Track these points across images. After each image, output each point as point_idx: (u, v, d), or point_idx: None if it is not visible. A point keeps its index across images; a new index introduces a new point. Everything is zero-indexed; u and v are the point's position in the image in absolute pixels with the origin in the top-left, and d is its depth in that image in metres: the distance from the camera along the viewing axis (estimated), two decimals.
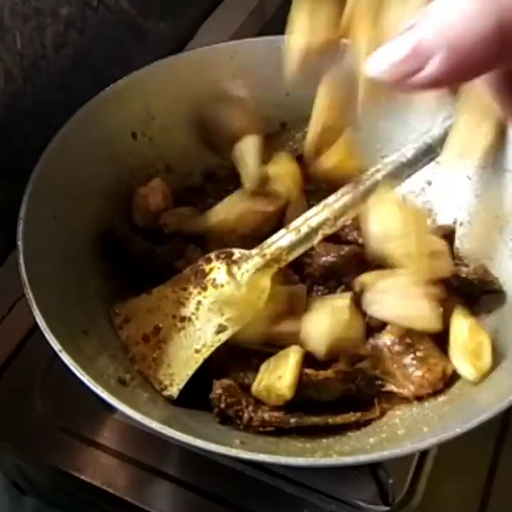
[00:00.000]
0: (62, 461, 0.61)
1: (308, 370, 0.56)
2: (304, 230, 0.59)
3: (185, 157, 0.72)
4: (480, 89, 0.32)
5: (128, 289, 0.63)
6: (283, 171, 0.66)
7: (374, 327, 0.59)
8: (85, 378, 0.49)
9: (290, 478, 0.59)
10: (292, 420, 0.55)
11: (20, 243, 0.55)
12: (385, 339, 0.57)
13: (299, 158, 0.66)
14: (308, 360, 0.57)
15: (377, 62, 0.29)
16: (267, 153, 0.67)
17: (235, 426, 0.55)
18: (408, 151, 0.61)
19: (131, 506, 0.59)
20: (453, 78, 0.28)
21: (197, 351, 0.58)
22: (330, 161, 0.61)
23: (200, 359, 0.57)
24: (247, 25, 0.91)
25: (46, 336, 0.51)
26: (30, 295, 0.52)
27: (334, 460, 0.50)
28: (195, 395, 0.56)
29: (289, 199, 0.65)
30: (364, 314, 0.58)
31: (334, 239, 0.62)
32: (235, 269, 0.60)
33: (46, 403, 0.64)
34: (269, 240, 0.60)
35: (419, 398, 0.55)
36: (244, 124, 0.66)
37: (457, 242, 0.65)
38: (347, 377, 0.56)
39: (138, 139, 0.69)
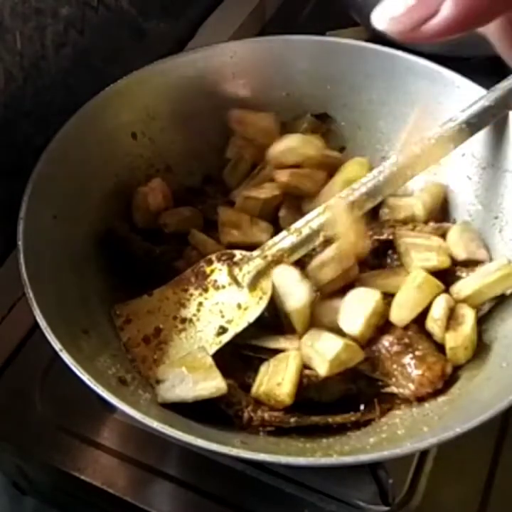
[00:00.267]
0: (62, 461, 0.61)
1: (308, 371, 0.56)
2: (306, 231, 0.59)
3: (185, 157, 0.72)
4: None
5: (128, 289, 0.63)
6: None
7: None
8: (86, 377, 0.49)
9: (290, 478, 0.59)
10: (292, 420, 0.55)
11: (20, 243, 0.55)
12: (384, 340, 0.57)
13: None
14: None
15: (384, 14, 0.29)
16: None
17: (235, 426, 0.55)
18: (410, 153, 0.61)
19: (131, 506, 0.59)
20: (464, 23, 0.28)
21: None
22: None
23: None
24: (247, 25, 0.91)
25: (46, 335, 0.51)
26: (30, 295, 0.52)
27: (334, 460, 0.50)
28: None
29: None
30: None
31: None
32: (236, 270, 0.60)
33: (46, 403, 0.64)
34: (270, 242, 0.60)
35: (420, 398, 0.55)
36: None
37: None
38: (347, 378, 0.56)
39: (138, 139, 0.69)
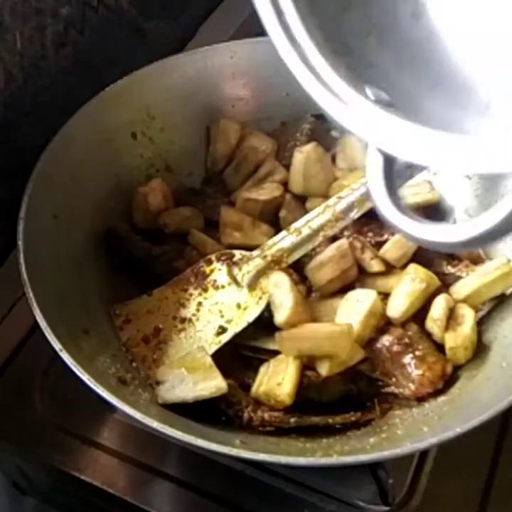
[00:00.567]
0: (62, 461, 0.61)
1: (308, 372, 0.56)
2: (306, 231, 0.59)
3: (185, 157, 0.72)
4: None
5: (128, 289, 0.63)
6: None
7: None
8: (86, 377, 0.49)
9: (290, 478, 0.59)
10: (292, 420, 0.55)
11: (20, 243, 0.55)
12: (384, 340, 0.57)
13: None
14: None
15: None
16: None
17: (235, 426, 0.55)
18: None
19: (131, 506, 0.59)
20: None
21: None
22: None
23: None
24: (247, 25, 0.91)
25: (46, 335, 0.51)
26: (30, 294, 0.52)
27: (334, 460, 0.50)
28: None
29: None
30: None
31: (335, 240, 0.62)
32: (235, 270, 0.60)
33: (46, 403, 0.64)
34: (270, 242, 0.60)
35: (420, 398, 0.55)
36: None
37: None
38: (347, 378, 0.56)
39: (138, 139, 0.69)
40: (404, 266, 0.60)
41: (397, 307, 0.58)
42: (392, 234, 0.62)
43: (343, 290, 0.60)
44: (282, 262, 0.59)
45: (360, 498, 0.58)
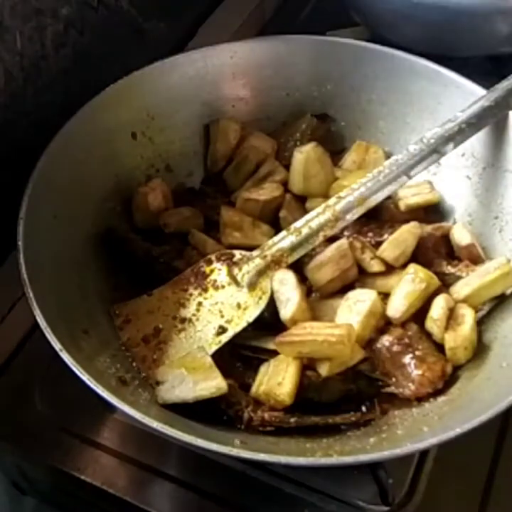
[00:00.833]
0: (62, 461, 0.61)
1: (308, 372, 0.56)
2: (305, 231, 0.59)
3: (185, 157, 0.72)
4: None
5: (128, 289, 0.63)
6: None
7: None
8: (85, 377, 0.49)
9: (290, 478, 0.59)
10: (292, 420, 0.55)
11: (20, 243, 0.55)
12: (384, 340, 0.57)
13: None
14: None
15: None
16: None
17: (235, 426, 0.55)
18: (410, 153, 0.61)
19: (131, 506, 0.59)
20: None
21: None
22: None
23: None
24: (247, 25, 0.91)
25: (46, 335, 0.51)
26: (30, 295, 0.52)
27: (334, 460, 0.50)
28: None
29: None
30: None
31: (335, 240, 0.62)
32: (235, 270, 0.60)
33: (46, 403, 0.64)
34: (270, 242, 0.60)
35: (420, 398, 0.55)
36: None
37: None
38: (347, 378, 0.56)
39: (138, 139, 0.69)
40: (404, 266, 0.60)
41: (397, 307, 0.58)
42: (392, 234, 0.62)
43: (343, 290, 0.60)
44: (282, 262, 0.59)
45: (360, 498, 0.58)
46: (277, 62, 0.71)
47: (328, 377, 0.55)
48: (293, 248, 0.59)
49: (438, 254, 0.63)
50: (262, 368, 0.57)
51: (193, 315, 0.60)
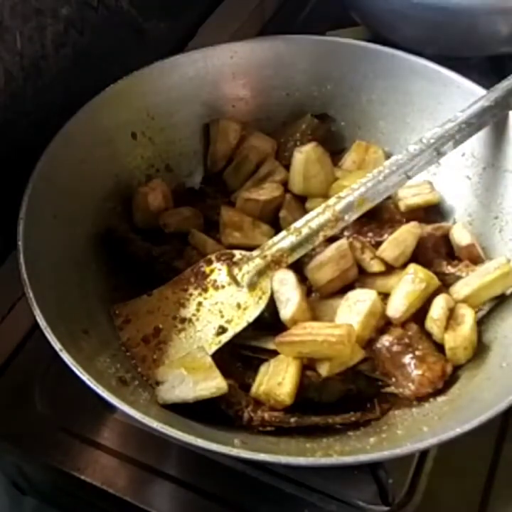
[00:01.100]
0: (62, 461, 0.61)
1: (308, 372, 0.56)
2: (305, 231, 0.59)
3: (185, 157, 0.72)
4: None
5: (128, 289, 0.63)
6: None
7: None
8: (85, 377, 0.49)
9: (290, 478, 0.59)
10: (292, 420, 0.55)
11: (20, 243, 0.55)
12: (384, 340, 0.57)
13: None
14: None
15: None
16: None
17: (235, 426, 0.55)
18: (410, 153, 0.61)
19: (131, 506, 0.59)
20: None
21: None
22: None
23: None
24: (247, 25, 0.91)
25: (46, 335, 0.51)
26: (30, 295, 0.52)
27: (334, 460, 0.50)
28: None
29: None
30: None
31: (335, 240, 0.62)
32: (235, 270, 0.60)
33: (46, 403, 0.64)
34: (269, 242, 0.60)
35: (420, 398, 0.55)
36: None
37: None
38: (347, 378, 0.56)
39: (138, 139, 0.69)
40: (404, 266, 0.60)
41: (397, 307, 0.58)
42: (392, 234, 0.62)
43: (343, 290, 0.60)
44: (282, 262, 0.59)
45: (360, 498, 0.58)
46: (277, 62, 0.71)
47: (328, 378, 0.55)
48: (293, 248, 0.59)
49: (438, 254, 0.63)
50: (262, 368, 0.57)
51: (193, 315, 0.60)
